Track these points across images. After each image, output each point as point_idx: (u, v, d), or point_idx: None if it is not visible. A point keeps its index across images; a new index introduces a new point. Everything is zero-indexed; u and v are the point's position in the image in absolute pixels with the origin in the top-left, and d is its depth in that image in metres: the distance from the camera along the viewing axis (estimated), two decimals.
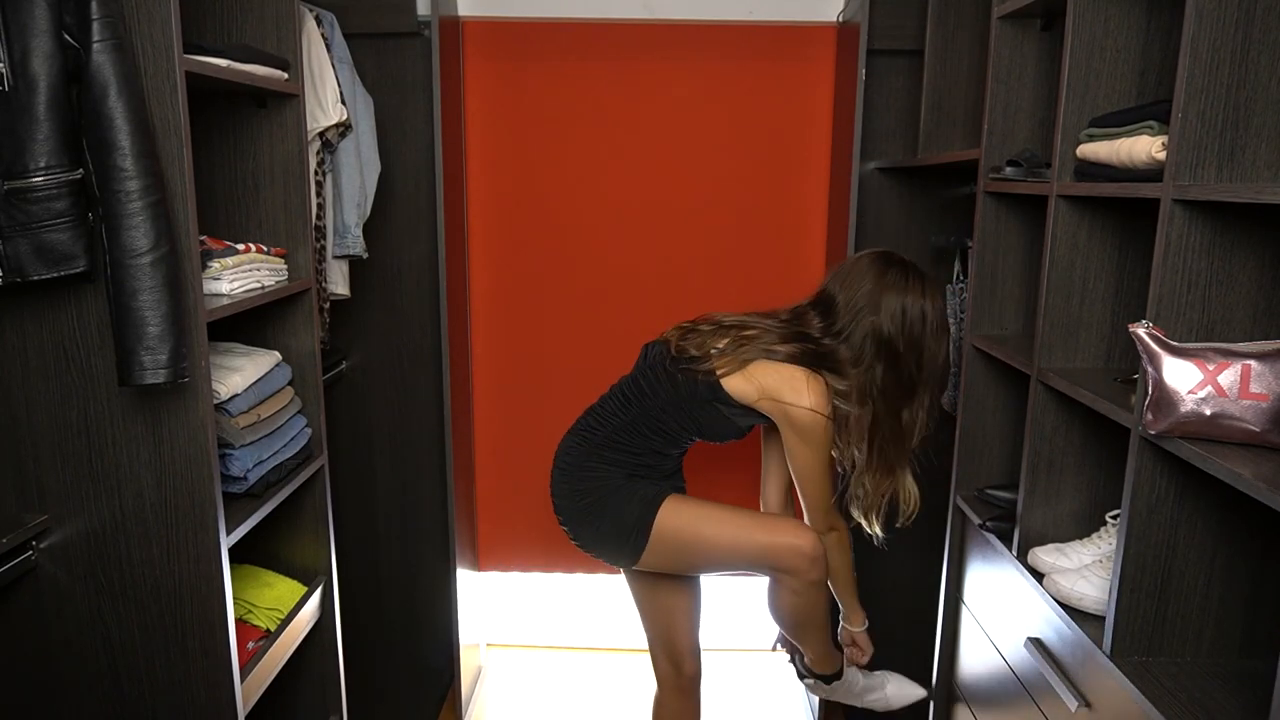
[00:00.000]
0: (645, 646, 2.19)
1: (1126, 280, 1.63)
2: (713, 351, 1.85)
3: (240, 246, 1.70)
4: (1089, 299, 1.65)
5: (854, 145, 2.34)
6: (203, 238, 1.64)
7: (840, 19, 2.55)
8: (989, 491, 1.98)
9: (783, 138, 2.62)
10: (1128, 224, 1.61)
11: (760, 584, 2.79)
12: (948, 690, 2.17)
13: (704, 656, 2.16)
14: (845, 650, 2.10)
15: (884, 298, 1.81)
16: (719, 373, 1.83)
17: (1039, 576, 1.64)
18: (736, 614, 3.05)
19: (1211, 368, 1.22)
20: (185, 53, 1.40)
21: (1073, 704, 1.46)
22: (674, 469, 1.99)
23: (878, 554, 2.86)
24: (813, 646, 2.03)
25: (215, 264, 1.62)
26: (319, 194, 2.22)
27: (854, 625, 2.09)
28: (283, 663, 1.86)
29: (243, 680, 1.63)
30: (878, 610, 2.91)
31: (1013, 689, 1.74)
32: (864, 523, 1.96)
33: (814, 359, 1.83)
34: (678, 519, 1.88)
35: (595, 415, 1.98)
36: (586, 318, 2.74)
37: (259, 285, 1.74)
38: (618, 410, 1.94)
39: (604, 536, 1.93)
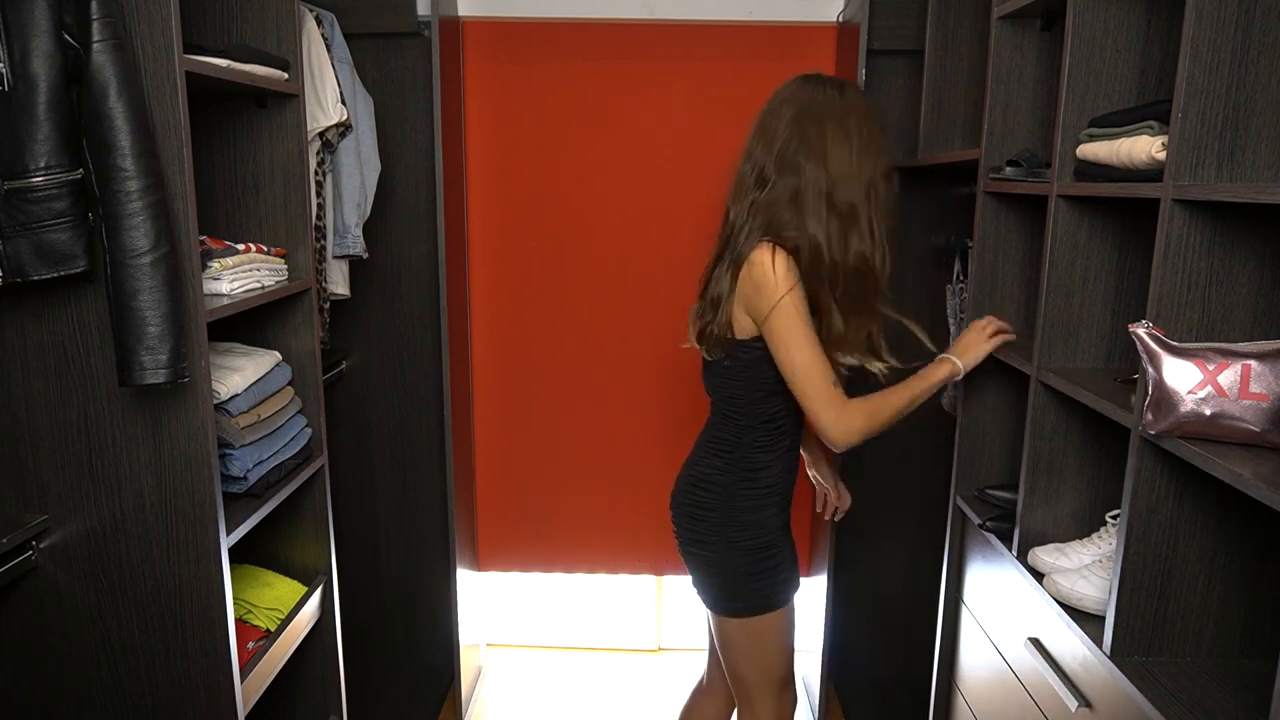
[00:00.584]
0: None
1: (1126, 280, 1.63)
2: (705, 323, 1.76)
3: (240, 246, 1.70)
4: (1089, 299, 1.65)
5: None
6: (203, 238, 1.64)
7: (840, 19, 2.55)
8: (989, 491, 1.98)
9: None
10: (1128, 224, 1.61)
11: None
12: (948, 690, 2.17)
13: (704, 656, 2.16)
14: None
15: (802, 115, 1.66)
16: (721, 331, 1.73)
17: (1039, 576, 1.64)
18: None
19: (1211, 368, 1.22)
20: (185, 53, 1.40)
21: (1073, 704, 1.46)
22: (792, 465, 1.87)
23: (878, 555, 2.88)
24: None
25: (215, 264, 1.62)
26: (319, 194, 2.22)
27: (957, 367, 1.78)
28: (283, 663, 1.86)
29: (243, 680, 1.63)
30: (878, 610, 2.93)
31: (1013, 689, 1.74)
32: (867, 365, 1.79)
33: (764, 230, 1.68)
34: (760, 633, 1.85)
35: (699, 452, 1.88)
36: (586, 317, 2.74)
37: (259, 285, 1.74)
38: (717, 430, 1.84)
39: (712, 578, 1.87)
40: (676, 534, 1.93)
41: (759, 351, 1.72)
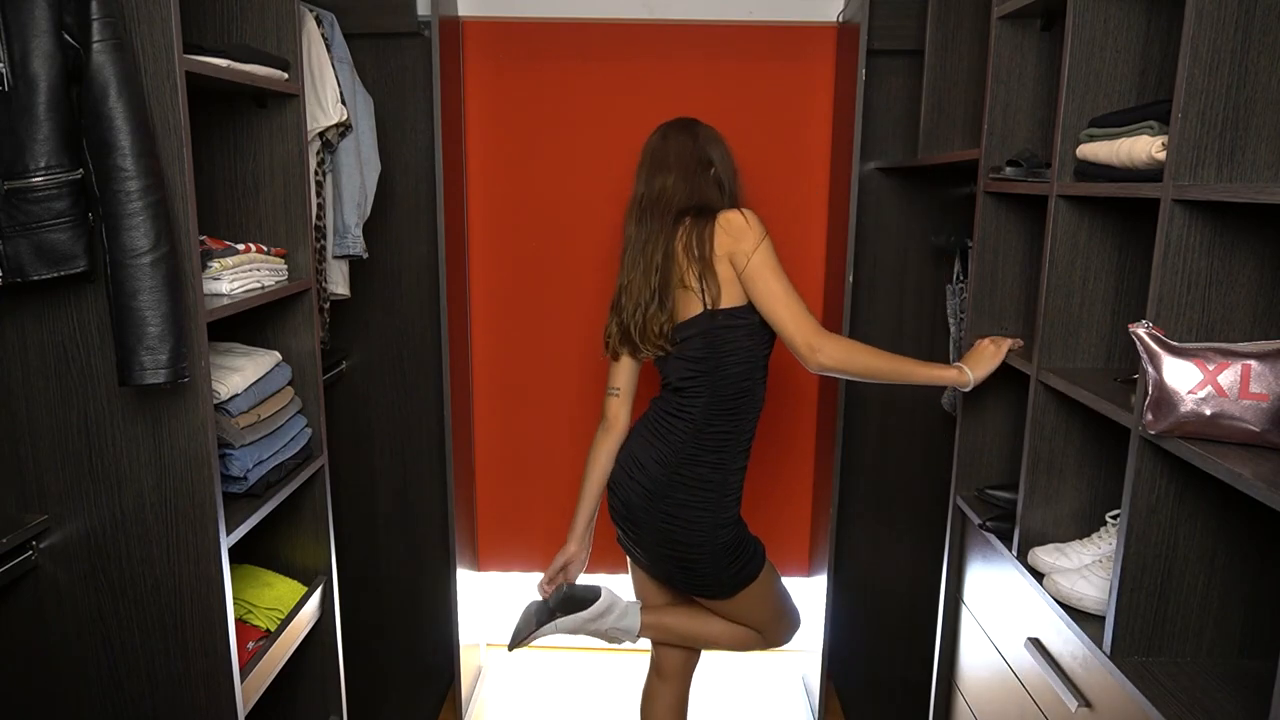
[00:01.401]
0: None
1: (1126, 280, 1.64)
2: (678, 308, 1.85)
3: (240, 246, 1.70)
4: (1089, 299, 1.65)
5: (854, 145, 2.34)
6: (203, 238, 1.64)
7: (840, 19, 2.55)
8: (989, 491, 1.98)
9: (783, 138, 2.62)
10: (1128, 224, 1.61)
11: None
12: (948, 690, 2.17)
13: (703, 656, 2.17)
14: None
15: (698, 138, 1.94)
16: (711, 305, 1.82)
17: (1039, 576, 1.64)
18: None
19: (1211, 368, 1.22)
20: (185, 53, 1.40)
21: (1073, 704, 1.46)
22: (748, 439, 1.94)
23: (878, 555, 2.88)
24: (683, 637, 2.09)
25: (215, 264, 1.62)
26: (319, 194, 2.22)
27: (967, 377, 1.82)
28: (283, 663, 1.86)
29: (243, 680, 1.63)
30: (878, 610, 2.93)
31: (1013, 689, 1.74)
32: None
33: (699, 213, 1.85)
34: (758, 595, 1.97)
35: (657, 440, 1.91)
36: (586, 317, 2.74)
37: (259, 285, 1.74)
38: (710, 423, 1.87)
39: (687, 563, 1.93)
40: (643, 537, 1.93)
41: (747, 319, 1.82)
